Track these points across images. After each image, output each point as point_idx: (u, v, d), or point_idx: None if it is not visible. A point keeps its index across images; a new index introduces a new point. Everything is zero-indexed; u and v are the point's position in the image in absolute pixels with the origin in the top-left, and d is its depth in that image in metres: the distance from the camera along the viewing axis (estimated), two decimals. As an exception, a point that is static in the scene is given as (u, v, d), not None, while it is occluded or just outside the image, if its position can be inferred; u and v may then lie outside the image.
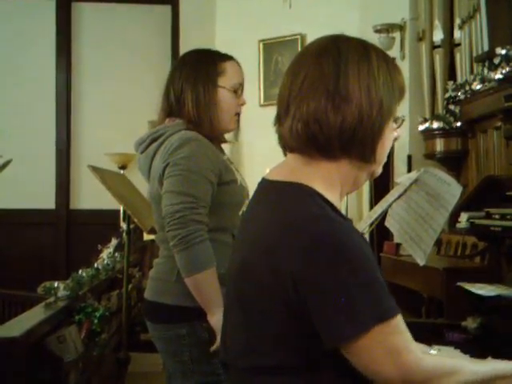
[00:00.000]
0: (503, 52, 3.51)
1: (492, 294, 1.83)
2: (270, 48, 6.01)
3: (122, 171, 6.09)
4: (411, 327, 1.13)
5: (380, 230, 2.73)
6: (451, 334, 1.84)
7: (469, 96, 4.12)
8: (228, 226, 1.98)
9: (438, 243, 3.87)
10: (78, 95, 6.69)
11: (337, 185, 1.22)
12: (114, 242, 4.87)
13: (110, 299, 3.87)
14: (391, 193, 1.94)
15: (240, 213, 1.99)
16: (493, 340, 1.78)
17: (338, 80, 1.17)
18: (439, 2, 4.64)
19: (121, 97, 6.59)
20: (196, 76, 2.01)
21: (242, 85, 2.10)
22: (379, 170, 1.28)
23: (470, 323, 1.86)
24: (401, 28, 4.95)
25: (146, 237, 4.83)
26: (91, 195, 6.32)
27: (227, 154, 2.16)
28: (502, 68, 3.50)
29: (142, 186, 2.50)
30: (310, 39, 5.59)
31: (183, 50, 5.48)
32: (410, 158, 4.80)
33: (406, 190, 1.86)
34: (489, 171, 3.88)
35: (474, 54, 4.20)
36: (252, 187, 1.44)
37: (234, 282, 1.22)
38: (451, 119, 4.41)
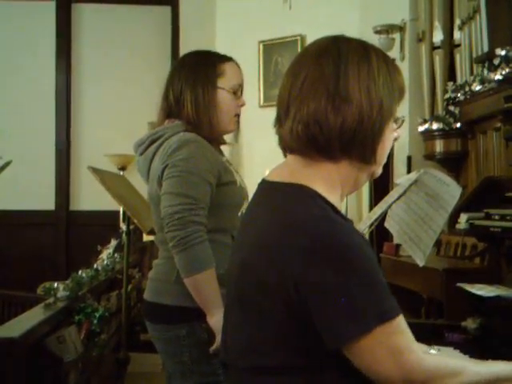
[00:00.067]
0: (503, 53, 3.51)
1: (492, 294, 1.83)
2: (270, 49, 6.01)
3: (121, 172, 6.09)
4: (411, 328, 1.13)
5: (380, 231, 2.72)
6: (451, 335, 1.84)
7: (468, 97, 4.12)
8: (227, 227, 1.98)
9: (438, 244, 3.87)
10: (78, 96, 6.70)
11: (337, 186, 1.22)
12: (113, 242, 4.87)
13: (110, 300, 3.87)
14: (391, 194, 1.94)
15: (239, 214, 1.99)
16: (492, 340, 1.78)
17: (338, 81, 1.17)
18: (439, 2, 4.64)
19: (121, 98, 6.59)
20: (195, 77, 2.01)
21: (241, 86, 2.10)
22: (379, 170, 1.28)
23: (470, 324, 1.86)
24: (401, 29, 4.95)
25: (146, 238, 4.84)
26: (91, 196, 6.32)
27: (226, 156, 2.16)
28: (502, 69, 3.50)
29: (142, 187, 2.50)
30: (309, 40, 5.58)
31: (183, 51, 5.48)
32: (409, 158, 4.80)
33: (405, 191, 1.86)
34: (488, 172, 3.88)
35: (474, 55, 4.20)
36: (252, 188, 1.44)
37: (235, 283, 1.22)
38: (451, 120, 4.41)
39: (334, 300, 1.07)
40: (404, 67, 4.74)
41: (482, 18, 3.96)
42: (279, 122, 1.25)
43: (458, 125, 4.36)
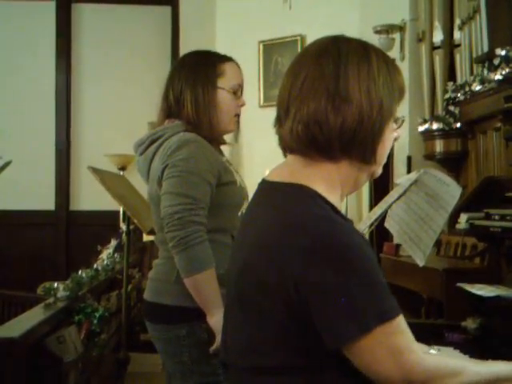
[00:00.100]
0: (503, 53, 3.51)
1: (492, 294, 1.83)
2: (270, 49, 6.01)
3: (121, 172, 6.09)
4: (411, 328, 1.13)
5: (380, 231, 2.72)
6: (451, 335, 1.84)
7: (468, 97, 4.12)
8: (227, 227, 1.98)
9: (438, 244, 3.87)
10: (78, 96, 6.69)
11: (337, 186, 1.22)
12: (113, 242, 4.87)
13: (110, 300, 3.87)
14: (391, 194, 1.94)
15: (239, 214, 1.99)
16: (492, 340, 1.78)
17: (338, 81, 1.17)
18: (439, 2, 4.65)
19: (121, 98, 6.59)
20: (195, 77, 2.01)
21: (241, 86, 2.10)
22: (379, 170, 1.28)
23: (470, 324, 1.86)
24: (401, 29, 4.95)
25: (146, 238, 4.84)
26: (91, 196, 6.32)
27: (226, 156, 2.16)
28: (502, 69, 3.50)
29: (142, 187, 2.50)
30: (309, 40, 5.59)
31: (183, 51, 5.48)
32: (409, 158, 4.80)
33: (405, 191, 1.86)
34: (488, 172, 3.88)
35: (474, 55, 4.20)
36: (252, 188, 1.44)
37: (235, 283, 1.21)
38: (451, 120, 4.41)
39: (334, 300, 1.07)
40: (404, 67, 4.74)
41: (482, 18, 3.96)
42: (279, 122, 1.24)
43: (458, 125, 4.36)
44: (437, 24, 4.67)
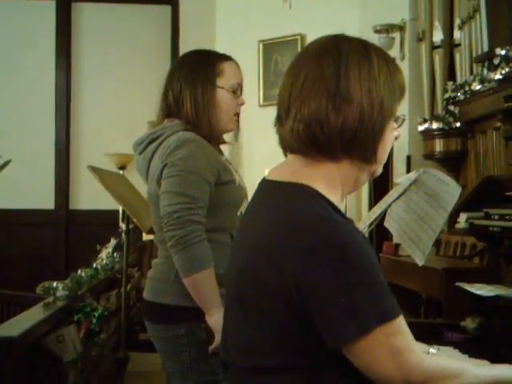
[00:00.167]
0: (503, 52, 3.51)
1: (491, 294, 1.82)
2: (270, 48, 6.01)
3: (121, 171, 6.09)
4: (410, 327, 1.13)
5: (379, 231, 2.72)
6: (450, 334, 1.84)
7: (468, 96, 4.12)
8: (226, 227, 1.97)
9: (437, 243, 3.87)
10: (78, 95, 6.69)
11: (338, 185, 1.22)
12: (112, 242, 4.87)
13: (109, 299, 3.87)
14: (390, 193, 1.94)
15: (238, 213, 1.99)
16: (492, 340, 1.78)
17: (339, 81, 1.16)
18: (439, 2, 4.65)
19: (120, 97, 6.59)
20: (194, 77, 2.01)
21: (240, 85, 2.10)
22: (380, 169, 1.28)
23: (469, 323, 1.86)
24: (401, 28, 4.95)
25: (145, 237, 4.84)
26: (90, 195, 6.32)
27: (226, 155, 2.16)
28: (502, 68, 3.50)
29: (141, 186, 2.50)
30: (309, 39, 5.58)
31: (183, 50, 5.48)
32: (409, 158, 4.80)
33: (405, 191, 1.86)
34: (488, 172, 3.89)
35: (474, 55, 4.20)
36: (251, 188, 1.44)
37: (235, 282, 1.21)
38: (451, 120, 4.41)
39: (335, 300, 1.07)
40: (404, 67, 4.74)
41: (482, 17, 3.96)
42: (280, 121, 1.24)
43: (458, 124, 4.37)
44: (437, 23, 4.67)
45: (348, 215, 1.26)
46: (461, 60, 4.45)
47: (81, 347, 2.85)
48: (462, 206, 2.38)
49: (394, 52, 4.82)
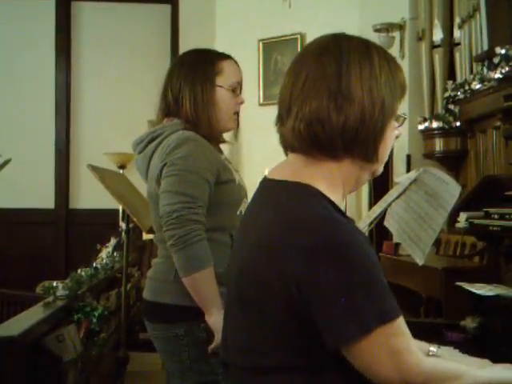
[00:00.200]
0: (503, 51, 3.51)
1: (491, 293, 1.82)
2: (270, 47, 6.01)
3: (121, 171, 6.08)
4: (410, 327, 1.13)
5: (379, 230, 2.72)
6: (450, 334, 1.84)
7: (468, 95, 4.12)
8: (226, 226, 1.97)
9: (437, 243, 3.87)
10: (78, 94, 6.69)
11: (339, 185, 1.22)
12: (112, 241, 4.87)
13: (109, 298, 3.87)
14: (390, 193, 1.94)
15: (238, 212, 1.99)
16: (492, 340, 1.77)
17: (340, 80, 1.16)
18: (439, 1, 4.65)
19: (120, 96, 6.59)
20: (194, 76, 2.01)
21: (240, 84, 2.10)
22: (381, 168, 1.28)
23: (469, 323, 1.86)
24: (400, 27, 4.95)
25: (145, 236, 4.84)
26: (90, 195, 6.32)
27: (226, 154, 2.16)
28: (502, 68, 3.50)
29: (141, 185, 2.50)
30: (309, 38, 5.58)
31: (183, 49, 5.47)
32: (409, 157, 4.80)
33: (405, 190, 1.85)
34: (488, 171, 3.89)
35: (474, 54, 4.20)
36: (251, 187, 1.44)
37: (235, 282, 1.21)
38: (450, 119, 4.41)
39: (335, 300, 1.07)
40: (404, 66, 4.68)
41: (482, 16, 3.96)
42: (281, 120, 1.24)
43: (458, 123, 4.37)
44: (437, 22, 4.67)
45: (348, 214, 1.26)
46: (461, 59, 4.45)
47: (81, 347, 2.85)
48: (462, 205, 2.38)
49: (393, 51, 4.81)
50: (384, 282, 1.10)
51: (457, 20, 4.50)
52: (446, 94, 4.46)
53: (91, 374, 3.15)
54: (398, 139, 1.31)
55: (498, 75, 3.52)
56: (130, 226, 3.90)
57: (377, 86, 1.18)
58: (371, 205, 4.50)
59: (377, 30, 4.90)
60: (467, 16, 4.28)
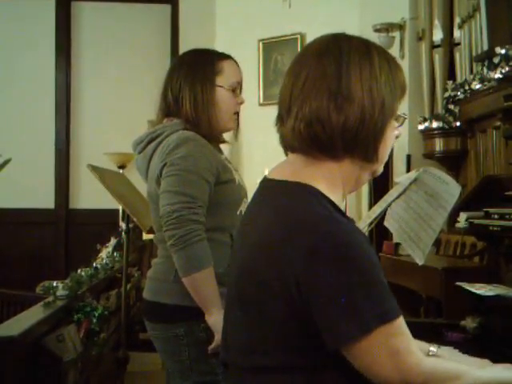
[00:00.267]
0: (503, 51, 3.51)
1: (491, 293, 1.82)
2: (270, 47, 6.01)
3: (121, 170, 6.08)
4: (410, 327, 1.13)
5: (379, 230, 2.72)
6: (450, 334, 1.84)
7: (468, 95, 4.12)
8: (226, 226, 1.97)
9: (437, 243, 3.87)
10: (78, 94, 6.69)
11: (339, 185, 1.22)
12: (112, 241, 4.87)
13: (109, 298, 3.87)
14: (390, 193, 1.94)
15: (238, 212, 1.99)
16: (492, 340, 1.77)
17: (341, 80, 1.16)
18: (439, 1, 4.65)
19: (120, 96, 6.59)
20: (194, 76, 2.01)
21: (240, 84, 2.10)
22: (381, 168, 1.28)
23: (469, 323, 1.86)
24: (400, 27, 4.95)
25: (145, 236, 4.84)
26: (90, 195, 6.32)
27: (226, 154, 2.16)
28: (502, 68, 3.50)
29: (141, 185, 2.50)
30: (309, 38, 5.58)
31: (183, 49, 5.47)
32: (409, 157, 4.80)
33: (405, 190, 1.85)
34: (488, 171, 3.89)
35: (474, 54, 4.20)
36: (251, 187, 1.44)
37: (235, 282, 1.21)
38: (450, 119, 4.41)
39: (335, 300, 1.07)
40: (404, 66, 4.68)
41: (482, 16, 3.96)
42: (281, 120, 1.24)
43: (458, 123, 4.37)
44: (436, 22, 4.67)
45: (348, 214, 1.26)
46: (461, 59, 4.45)
47: (81, 347, 2.85)
48: (462, 205, 2.38)
49: (393, 51, 4.81)
50: (384, 282, 1.10)
51: (457, 20, 4.50)
52: (446, 94, 4.46)
53: (91, 373, 3.15)
54: (397, 139, 1.31)
55: (498, 75, 3.52)
56: (130, 226, 3.90)
57: (377, 86, 1.18)
58: (371, 205, 4.51)
59: (377, 30, 4.90)
60: (467, 16, 4.28)
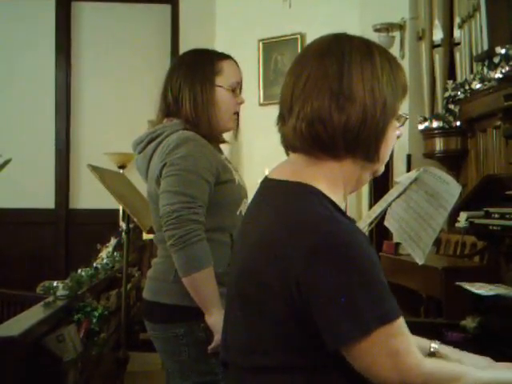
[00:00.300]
0: (503, 51, 3.51)
1: (491, 293, 1.82)
2: (270, 47, 6.01)
3: (121, 170, 6.08)
4: (410, 327, 1.13)
5: (379, 230, 2.73)
6: (450, 334, 1.84)
7: (468, 95, 4.12)
8: (226, 226, 1.97)
9: (437, 242, 3.87)
10: (78, 94, 6.69)
11: (340, 184, 1.22)
12: (113, 241, 4.87)
13: (109, 298, 3.87)
14: (390, 192, 1.94)
15: (238, 212, 1.99)
16: (492, 339, 1.77)
17: (342, 80, 1.16)
18: (439, 1, 4.64)
19: (120, 96, 6.59)
20: (194, 76, 2.01)
21: (239, 83, 2.10)
22: (382, 168, 1.28)
23: (469, 323, 1.86)
24: (401, 27, 4.95)
25: (145, 236, 4.84)
26: (90, 195, 6.32)
27: (226, 154, 2.16)
28: (502, 67, 3.50)
29: (141, 185, 2.50)
30: (309, 39, 5.59)
31: (183, 49, 5.48)
32: (409, 157, 4.80)
33: (405, 190, 1.85)
34: (488, 170, 3.88)
35: (474, 54, 4.20)
36: (251, 187, 1.44)
37: (235, 282, 1.21)
38: (451, 118, 4.41)
39: (335, 300, 1.07)
40: (404, 66, 4.69)
41: (482, 16, 3.96)
42: (282, 120, 1.24)
43: (458, 123, 4.36)
44: (437, 22, 4.67)
45: (348, 214, 1.26)
46: (461, 59, 4.45)
47: (81, 347, 2.85)
48: (463, 204, 2.38)
49: (394, 51, 4.81)
50: (384, 282, 1.10)
51: (457, 20, 4.50)
52: (446, 94, 4.46)
53: (91, 373, 3.15)
54: (398, 139, 1.31)
55: (498, 75, 3.52)
56: (131, 225, 3.90)
57: (378, 86, 1.18)
58: (371, 205, 4.50)
59: (377, 30, 4.90)
60: (467, 16, 4.27)
